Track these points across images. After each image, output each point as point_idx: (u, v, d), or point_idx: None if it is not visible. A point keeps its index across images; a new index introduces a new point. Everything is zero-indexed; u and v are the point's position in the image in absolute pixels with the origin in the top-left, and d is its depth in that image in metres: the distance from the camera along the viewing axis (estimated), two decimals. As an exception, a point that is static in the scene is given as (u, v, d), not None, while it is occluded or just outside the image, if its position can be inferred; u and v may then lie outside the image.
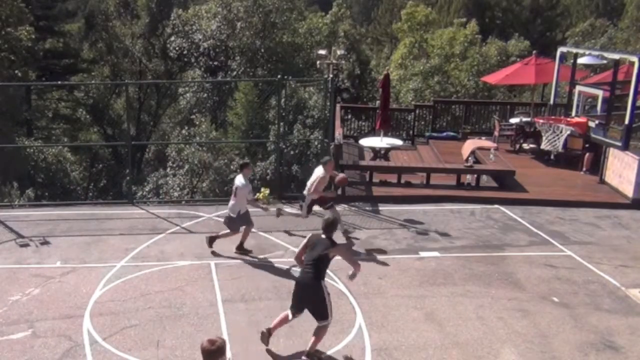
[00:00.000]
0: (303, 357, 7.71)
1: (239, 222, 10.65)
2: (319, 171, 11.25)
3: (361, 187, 14.83)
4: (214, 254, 10.74)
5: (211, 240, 10.85)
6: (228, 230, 10.79)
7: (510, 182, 14.83)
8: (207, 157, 23.43)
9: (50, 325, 8.47)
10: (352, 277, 7.84)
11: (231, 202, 10.67)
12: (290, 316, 7.89)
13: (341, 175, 11.76)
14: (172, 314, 8.78)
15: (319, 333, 7.71)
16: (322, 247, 7.56)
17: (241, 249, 10.83)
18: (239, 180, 10.59)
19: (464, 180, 15.39)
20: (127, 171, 18.56)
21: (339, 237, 11.15)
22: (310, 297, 7.66)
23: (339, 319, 8.72)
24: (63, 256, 10.69)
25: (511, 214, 13.21)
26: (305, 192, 11.52)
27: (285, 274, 10.11)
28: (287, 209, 12.19)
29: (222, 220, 11.15)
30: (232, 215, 10.64)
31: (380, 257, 10.87)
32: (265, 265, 10.44)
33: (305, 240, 7.81)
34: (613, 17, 48.95)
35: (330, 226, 7.66)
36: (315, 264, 7.55)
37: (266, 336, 7.87)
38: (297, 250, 7.99)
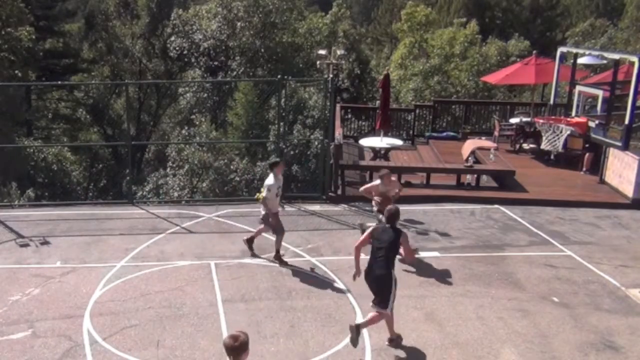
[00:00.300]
0: (353, 325, 7.82)
1: (274, 218, 10.39)
2: (375, 182, 11.15)
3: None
4: (285, 264, 10.47)
5: (277, 257, 10.57)
6: (276, 234, 10.52)
7: (510, 182, 14.83)
8: (207, 157, 23.40)
9: (50, 325, 8.47)
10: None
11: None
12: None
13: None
14: (172, 314, 8.78)
15: (372, 318, 7.90)
16: (391, 235, 7.89)
17: (250, 242, 10.78)
18: (267, 179, 10.40)
19: (464, 180, 15.39)
20: (127, 171, 18.57)
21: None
22: (380, 284, 7.88)
23: (339, 319, 8.74)
24: (63, 256, 10.69)
25: (511, 214, 13.21)
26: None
27: (285, 274, 10.12)
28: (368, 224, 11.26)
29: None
30: (264, 212, 10.45)
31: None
32: (265, 265, 10.43)
33: (368, 231, 8.10)
34: (613, 17, 48.93)
35: (393, 216, 8.04)
36: (386, 253, 7.85)
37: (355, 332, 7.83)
38: (359, 239, 8.28)
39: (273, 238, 11.51)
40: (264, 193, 10.25)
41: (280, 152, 14.96)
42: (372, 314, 7.93)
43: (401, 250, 8.32)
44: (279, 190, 10.49)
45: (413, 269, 10.36)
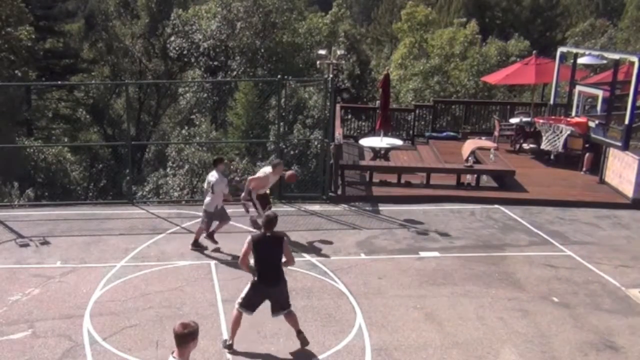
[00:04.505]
0: (302, 354, 7.72)
1: (214, 217, 10.78)
2: (266, 169, 11.43)
3: (361, 187, 14.83)
4: (199, 251, 10.83)
5: (211, 238, 10.94)
6: (201, 226, 10.90)
7: (510, 182, 14.84)
8: (207, 157, 23.41)
9: (50, 325, 8.47)
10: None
11: (207, 199, 10.73)
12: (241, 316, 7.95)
13: (290, 172, 11.81)
14: (172, 314, 8.78)
15: (294, 317, 7.90)
16: (276, 243, 7.68)
17: (197, 245, 10.92)
18: (213, 175, 10.66)
19: (464, 180, 15.39)
20: (127, 171, 18.57)
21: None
22: (278, 293, 7.81)
23: (339, 318, 8.74)
24: (63, 256, 10.69)
25: (511, 214, 13.21)
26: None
27: (285, 274, 10.08)
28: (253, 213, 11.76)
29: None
30: (209, 210, 10.71)
31: (380, 257, 10.87)
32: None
33: (246, 244, 7.74)
34: (613, 17, 48.99)
35: (270, 223, 7.73)
36: (277, 263, 7.72)
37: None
38: (241, 253, 7.87)
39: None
40: None
41: (280, 152, 14.97)
42: (290, 317, 7.91)
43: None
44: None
45: (410, 271, 10.36)
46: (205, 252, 10.88)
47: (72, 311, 8.85)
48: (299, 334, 7.90)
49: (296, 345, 8.02)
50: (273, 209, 12.69)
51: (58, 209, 13.80)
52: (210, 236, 10.95)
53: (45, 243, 11.25)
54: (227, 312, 8.85)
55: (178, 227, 12.14)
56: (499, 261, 10.81)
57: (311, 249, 11.12)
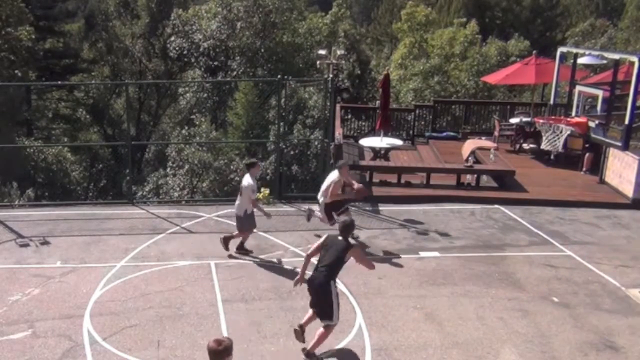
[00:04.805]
0: (302, 357, 7.72)
1: (247, 220, 10.61)
2: (333, 175, 10.99)
3: (361, 187, 14.80)
4: (232, 257, 10.61)
5: (226, 242, 10.68)
6: (237, 233, 10.77)
7: (510, 182, 14.83)
8: (207, 157, 23.43)
9: (50, 325, 8.47)
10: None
11: (237, 202, 10.65)
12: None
13: (359, 185, 11.28)
14: (172, 314, 8.78)
15: (321, 334, 7.72)
16: (339, 248, 7.61)
17: (242, 249, 10.81)
18: (246, 179, 10.51)
19: (464, 180, 15.39)
20: (127, 171, 18.57)
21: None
22: (319, 297, 7.71)
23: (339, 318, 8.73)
24: (63, 256, 10.69)
25: (511, 214, 13.21)
26: (319, 197, 11.20)
27: (285, 274, 10.11)
28: (318, 212, 11.50)
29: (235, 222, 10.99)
30: (239, 214, 10.60)
31: (379, 257, 10.87)
32: (265, 265, 10.44)
33: (321, 240, 7.84)
34: (613, 17, 49.01)
35: (347, 228, 7.74)
36: (330, 265, 7.61)
37: (300, 334, 7.83)
38: (310, 247, 7.96)
39: (272, 237, 11.57)
40: (261, 195, 10.27)
41: (280, 152, 14.98)
42: (320, 330, 7.75)
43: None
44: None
45: (410, 271, 10.36)
46: (205, 252, 10.88)
47: (72, 311, 8.85)
48: (306, 353, 7.73)
49: (296, 345, 8.03)
50: (274, 209, 12.71)
51: (58, 209, 13.79)
52: (240, 247, 10.80)
53: (45, 243, 11.25)
54: (227, 312, 8.86)
55: (178, 227, 12.14)
56: (499, 261, 10.81)
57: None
